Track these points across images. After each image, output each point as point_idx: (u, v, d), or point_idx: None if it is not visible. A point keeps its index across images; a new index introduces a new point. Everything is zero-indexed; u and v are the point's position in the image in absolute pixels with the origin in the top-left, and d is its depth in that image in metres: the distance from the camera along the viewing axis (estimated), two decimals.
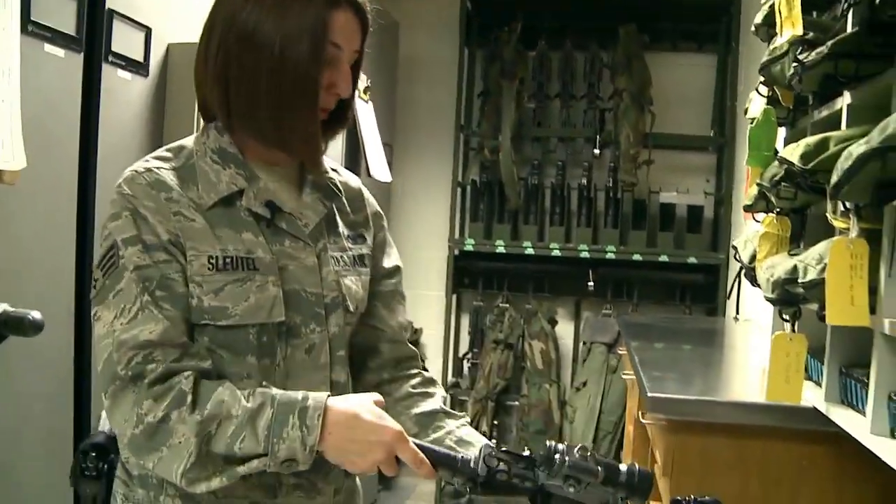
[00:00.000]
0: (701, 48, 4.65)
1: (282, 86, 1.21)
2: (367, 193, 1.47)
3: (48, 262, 1.87)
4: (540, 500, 1.15)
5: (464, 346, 4.85)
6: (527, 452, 1.18)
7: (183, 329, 1.18)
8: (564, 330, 4.79)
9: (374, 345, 1.42)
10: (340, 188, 1.39)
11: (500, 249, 4.55)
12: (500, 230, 4.60)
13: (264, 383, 1.20)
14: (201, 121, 2.24)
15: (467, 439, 1.32)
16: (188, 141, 1.30)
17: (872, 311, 1.40)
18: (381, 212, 1.49)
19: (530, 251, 4.51)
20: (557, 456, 1.14)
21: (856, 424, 1.49)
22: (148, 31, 2.17)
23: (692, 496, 1.16)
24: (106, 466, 1.28)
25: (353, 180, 1.46)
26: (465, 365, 4.80)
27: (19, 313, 1.66)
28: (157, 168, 1.23)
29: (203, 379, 1.16)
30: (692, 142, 4.61)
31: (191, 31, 2.35)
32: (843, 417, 1.57)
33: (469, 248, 4.59)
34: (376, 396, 1.21)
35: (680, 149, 4.62)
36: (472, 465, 1.16)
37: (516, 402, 4.61)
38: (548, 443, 1.17)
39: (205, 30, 1.27)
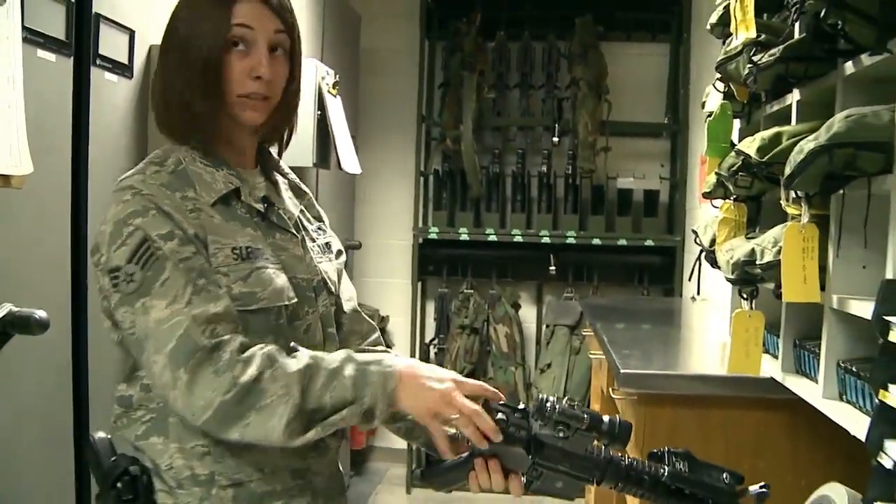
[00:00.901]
0: (654, 38, 4.80)
1: (191, 81, 1.29)
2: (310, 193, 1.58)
3: (44, 262, 1.93)
4: (533, 448, 1.27)
5: (430, 332, 4.96)
6: (521, 406, 1.30)
7: (232, 308, 1.26)
8: (528, 314, 4.93)
9: (336, 320, 1.50)
10: (302, 186, 1.51)
11: (464, 237, 4.67)
12: (463, 218, 4.73)
13: None
14: None
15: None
16: (161, 151, 1.37)
17: (823, 288, 1.55)
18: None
19: (493, 238, 4.64)
20: (548, 404, 1.26)
21: (809, 391, 1.64)
22: (131, 34, 2.23)
23: (666, 447, 1.30)
24: (145, 484, 1.29)
25: (301, 181, 1.56)
26: (432, 350, 4.91)
27: (25, 312, 1.72)
28: (161, 172, 1.31)
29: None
30: (647, 129, 4.77)
31: None
32: (798, 385, 1.72)
33: (433, 236, 4.70)
34: None
35: (636, 136, 4.78)
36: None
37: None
38: (539, 395, 1.30)
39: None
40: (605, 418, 1.29)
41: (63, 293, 2.00)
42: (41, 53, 1.84)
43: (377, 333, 1.55)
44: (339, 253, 1.54)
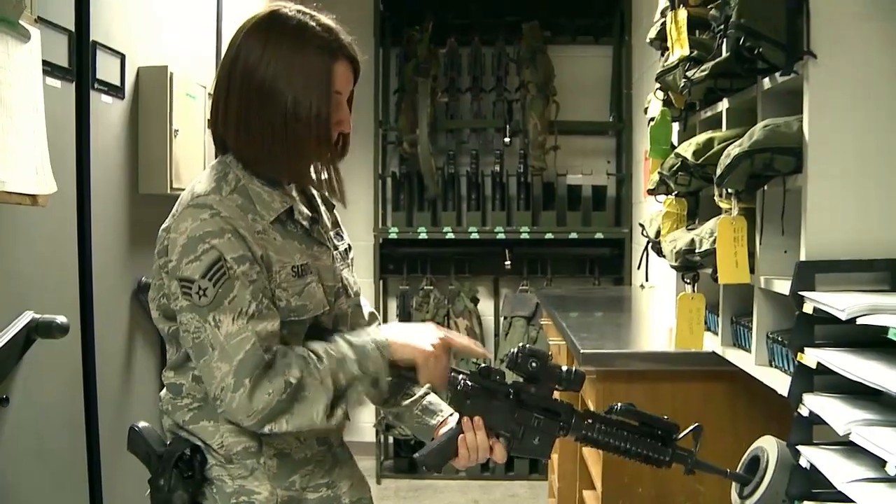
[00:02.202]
0: (598, 41, 5.07)
1: (297, 132, 1.45)
2: None
3: (54, 272, 2.11)
4: (514, 397, 1.51)
5: None
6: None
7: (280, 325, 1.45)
8: (486, 307, 5.16)
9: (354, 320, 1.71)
10: (334, 201, 1.69)
11: (423, 235, 4.87)
12: (421, 218, 4.93)
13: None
14: (173, 137, 2.51)
15: (431, 408, 1.67)
16: (223, 168, 1.49)
17: (752, 271, 1.80)
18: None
19: (450, 236, 4.86)
20: (517, 351, 1.49)
21: (744, 360, 1.89)
22: (122, 57, 2.40)
23: (614, 404, 1.53)
24: (199, 463, 1.47)
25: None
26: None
27: (47, 319, 1.90)
28: (231, 195, 1.44)
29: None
30: (593, 127, 5.04)
31: (156, 56, 2.59)
32: (736, 356, 1.97)
33: (393, 235, 4.90)
34: None
35: (583, 134, 5.05)
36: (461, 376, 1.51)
37: None
38: (511, 350, 1.53)
39: (222, 80, 1.49)
40: (563, 367, 1.52)
41: (72, 300, 2.18)
42: (49, 81, 2.01)
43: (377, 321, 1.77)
44: (348, 249, 1.72)
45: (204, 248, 1.38)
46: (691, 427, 1.52)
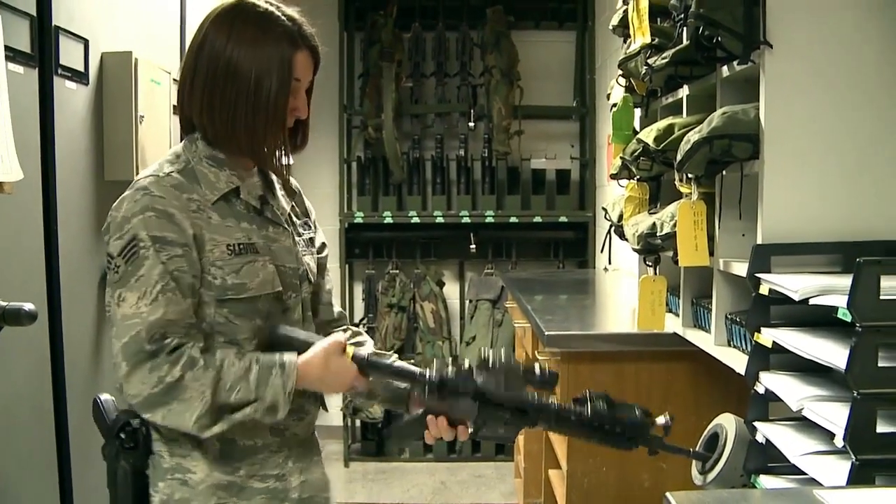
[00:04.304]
0: (561, 26, 5.10)
1: (256, 113, 1.51)
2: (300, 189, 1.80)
3: (20, 259, 2.10)
4: (479, 400, 1.50)
5: (359, 313, 5.18)
6: (467, 364, 1.53)
7: (191, 313, 1.47)
8: (451, 290, 5.20)
9: (315, 306, 1.75)
10: (295, 188, 1.72)
11: (388, 220, 4.89)
12: (386, 202, 4.95)
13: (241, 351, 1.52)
14: (138, 123, 2.50)
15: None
16: (178, 149, 1.58)
17: (712, 253, 1.85)
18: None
19: (416, 220, 4.89)
20: (490, 360, 1.51)
21: (704, 340, 1.95)
22: (86, 43, 2.38)
23: (587, 391, 1.56)
24: (143, 436, 1.52)
25: (293, 180, 1.78)
26: (362, 330, 5.10)
27: (14, 306, 1.89)
28: (171, 173, 1.51)
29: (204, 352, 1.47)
30: (557, 112, 5.08)
31: (120, 40, 2.58)
32: (696, 336, 2.03)
33: (358, 220, 4.91)
34: (337, 338, 1.54)
35: (547, 118, 5.08)
36: (427, 375, 1.50)
37: (412, 361, 4.97)
38: (481, 350, 1.55)
39: (189, 62, 1.55)
40: (537, 367, 1.55)
41: (38, 287, 2.17)
42: (11, 66, 1.99)
43: (344, 320, 1.82)
44: (322, 246, 1.76)
45: (127, 227, 1.44)
46: (663, 420, 1.53)
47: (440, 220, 4.88)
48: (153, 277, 1.43)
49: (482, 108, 4.89)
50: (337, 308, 1.82)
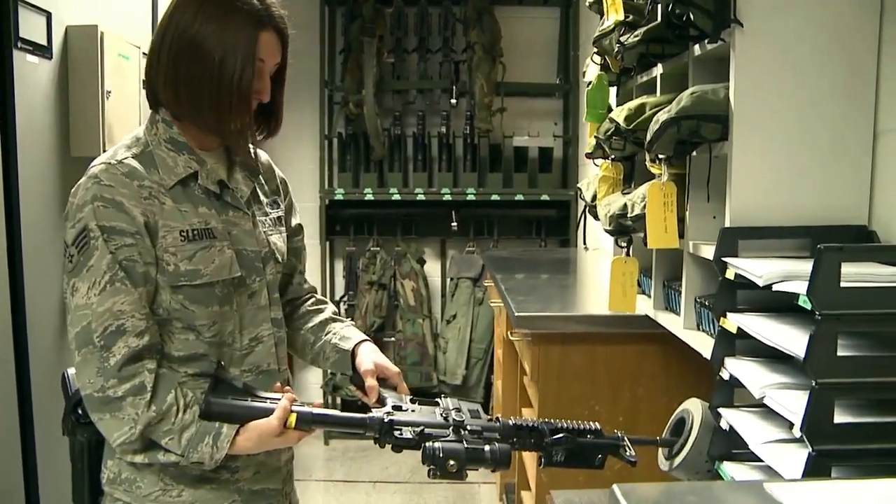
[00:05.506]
0: (546, 2, 5.03)
1: (220, 91, 1.48)
2: (273, 165, 1.77)
3: None
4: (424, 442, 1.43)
5: (340, 290, 5.15)
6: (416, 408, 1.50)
7: (144, 302, 1.45)
8: (432, 268, 5.17)
9: (285, 286, 1.75)
10: (259, 166, 1.68)
11: (369, 197, 4.85)
12: (367, 179, 4.90)
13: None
14: (105, 99, 2.45)
15: (348, 335, 1.70)
16: (139, 132, 1.55)
17: (682, 236, 1.82)
18: (284, 178, 1.79)
19: (397, 197, 4.84)
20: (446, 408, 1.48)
21: (674, 323, 1.93)
22: (49, 15, 2.32)
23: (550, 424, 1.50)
24: None
25: (263, 156, 1.75)
26: (343, 307, 5.09)
27: None
28: (125, 159, 1.48)
29: (160, 370, 1.45)
30: (540, 89, 5.02)
31: (86, 14, 2.52)
32: (666, 319, 2.01)
33: (339, 196, 4.87)
34: (272, 420, 1.46)
35: (529, 96, 5.03)
36: (377, 423, 1.45)
37: (392, 338, 4.97)
38: (441, 401, 1.52)
39: (157, 37, 1.53)
40: (486, 448, 1.43)
41: (1, 265, 2.13)
42: None
43: (313, 294, 1.81)
44: (298, 228, 1.75)
45: (79, 216, 1.44)
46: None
47: (421, 197, 4.84)
48: (102, 268, 1.42)
49: (464, 84, 4.84)
50: (307, 284, 1.81)
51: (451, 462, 1.39)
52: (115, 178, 1.45)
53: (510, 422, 1.50)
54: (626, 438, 1.53)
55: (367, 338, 1.71)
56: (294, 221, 1.77)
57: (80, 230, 1.43)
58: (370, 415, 1.48)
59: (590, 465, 1.51)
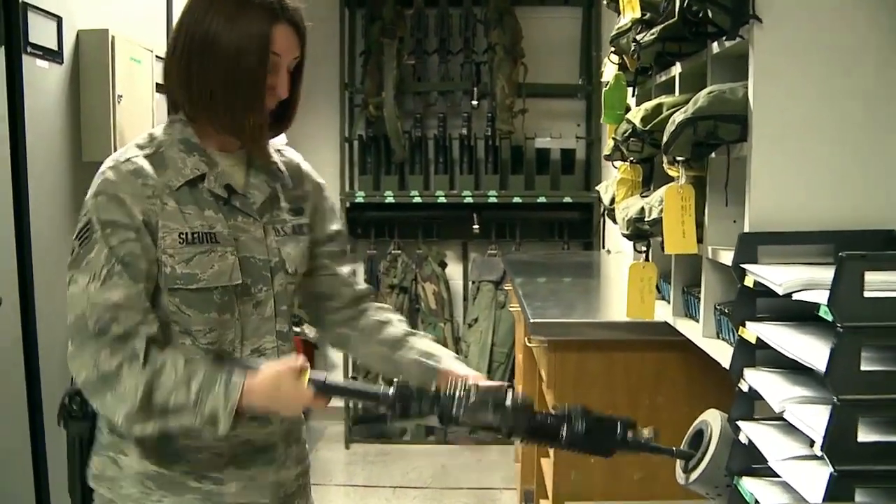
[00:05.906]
0: (567, 2, 4.97)
1: (235, 87, 1.45)
2: (307, 168, 1.71)
3: None
4: (440, 418, 1.41)
5: None
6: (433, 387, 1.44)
7: (143, 297, 1.42)
8: (454, 271, 5.12)
9: (334, 291, 1.70)
10: (282, 169, 1.63)
11: (390, 199, 4.81)
12: (388, 181, 4.86)
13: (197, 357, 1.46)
14: (117, 103, 2.43)
15: (430, 350, 1.64)
16: (157, 131, 1.53)
17: (701, 241, 1.76)
18: (322, 183, 1.73)
19: (418, 199, 4.80)
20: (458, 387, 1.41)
21: (693, 331, 1.86)
22: (59, 20, 2.31)
23: (565, 407, 1.46)
24: (91, 408, 1.51)
25: (296, 158, 1.70)
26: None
27: None
28: (136, 157, 1.46)
29: (153, 344, 1.42)
30: (562, 90, 4.96)
31: (97, 18, 2.50)
32: (686, 327, 1.94)
33: (360, 199, 4.83)
34: (298, 362, 1.44)
35: (551, 97, 4.96)
36: (389, 396, 1.40)
37: None
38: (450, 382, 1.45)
39: (172, 38, 1.50)
40: (510, 394, 1.43)
41: (10, 271, 2.12)
42: None
43: (369, 296, 1.76)
44: (336, 234, 1.71)
45: (84, 211, 1.45)
46: (648, 435, 1.45)
47: (442, 199, 4.79)
48: (100, 261, 1.41)
49: (485, 85, 4.78)
50: (360, 286, 1.75)
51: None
52: (120, 175, 1.44)
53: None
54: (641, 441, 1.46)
55: (455, 355, 1.65)
56: (331, 228, 1.71)
57: (84, 223, 1.43)
58: (384, 389, 1.43)
59: (611, 443, 1.44)
